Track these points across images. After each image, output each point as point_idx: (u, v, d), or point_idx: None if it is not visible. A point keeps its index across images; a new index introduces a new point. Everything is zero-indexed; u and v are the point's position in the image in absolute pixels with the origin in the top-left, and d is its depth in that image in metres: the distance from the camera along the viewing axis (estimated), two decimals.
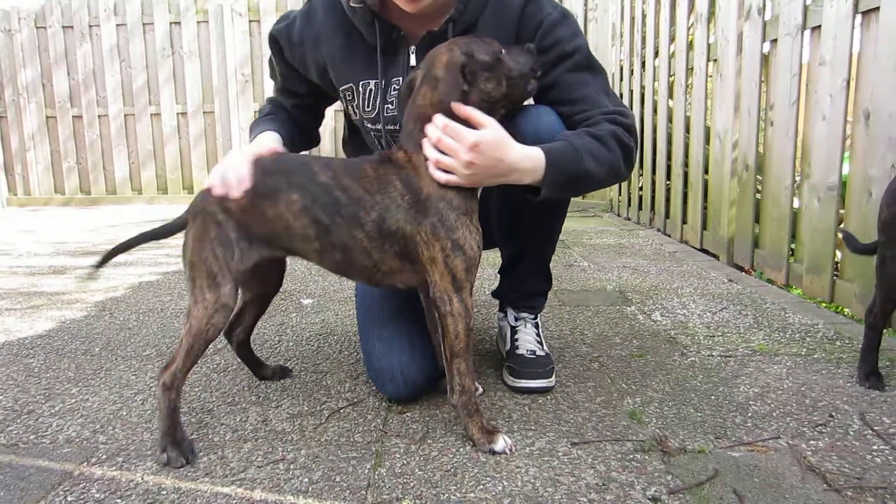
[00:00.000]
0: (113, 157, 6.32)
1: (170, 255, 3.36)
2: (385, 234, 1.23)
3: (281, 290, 2.47)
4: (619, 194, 4.84)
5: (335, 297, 2.38)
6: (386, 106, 1.44)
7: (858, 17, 2.13)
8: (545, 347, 1.59)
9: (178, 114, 6.23)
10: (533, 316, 1.62)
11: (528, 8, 1.36)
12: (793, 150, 2.54)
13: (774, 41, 2.67)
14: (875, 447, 1.22)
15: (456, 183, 1.21)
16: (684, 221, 3.64)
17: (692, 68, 3.54)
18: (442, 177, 1.20)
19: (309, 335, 1.93)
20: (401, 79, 1.41)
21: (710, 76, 3.35)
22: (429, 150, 1.22)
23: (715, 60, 3.24)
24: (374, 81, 1.43)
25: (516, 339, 1.57)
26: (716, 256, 3.18)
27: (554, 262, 2.97)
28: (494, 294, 1.70)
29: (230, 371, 1.64)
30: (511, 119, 1.34)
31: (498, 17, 1.37)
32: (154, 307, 2.30)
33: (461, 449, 1.23)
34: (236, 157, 1.28)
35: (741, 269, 2.95)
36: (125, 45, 6.17)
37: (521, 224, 1.51)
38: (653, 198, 4.17)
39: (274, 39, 1.51)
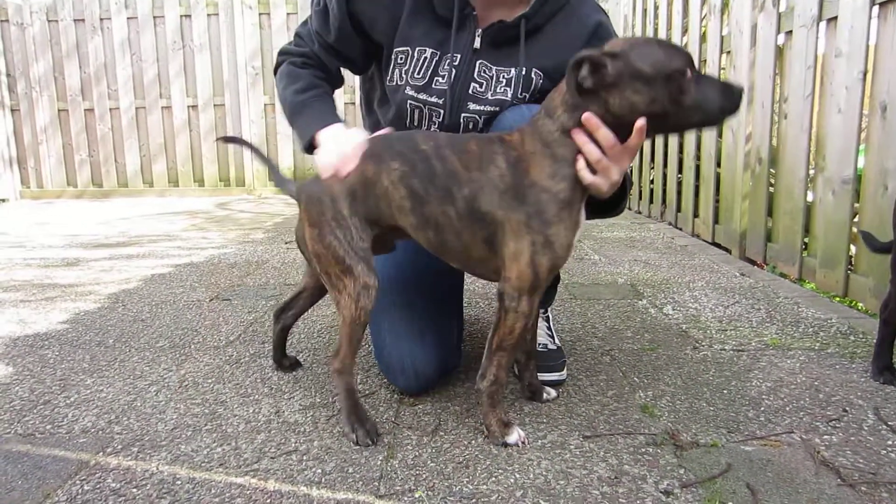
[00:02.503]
0: (125, 149, 6.35)
1: (181, 248, 3.38)
2: (475, 215, 1.17)
3: (292, 283, 2.49)
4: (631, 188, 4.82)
5: None
6: (436, 78, 1.41)
7: (875, 9, 2.10)
8: (557, 341, 1.58)
9: (188, 107, 6.25)
10: (543, 310, 1.62)
11: (599, 31, 1.40)
12: (807, 142, 2.52)
13: (789, 33, 2.65)
14: (890, 442, 1.21)
15: (598, 187, 1.15)
16: (696, 215, 3.62)
17: (705, 60, 3.51)
18: (588, 177, 1.14)
19: (321, 327, 1.94)
20: (459, 56, 1.39)
21: (724, 68, 3.32)
22: (589, 146, 1.13)
23: (728, 52, 3.21)
24: (430, 50, 1.39)
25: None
26: (728, 250, 3.16)
27: None
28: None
29: (243, 363, 1.65)
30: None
31: (569, 28, 1.40)
32: (166, 299, 2.31)
33: (473, 441, 1.23)
34: (338, 143, 1.29)
35: (753, 263, 2.93)
36: (136, 39, 6.19)
37: None
38: (664, 191, 4.15)
39: None
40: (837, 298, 2.31)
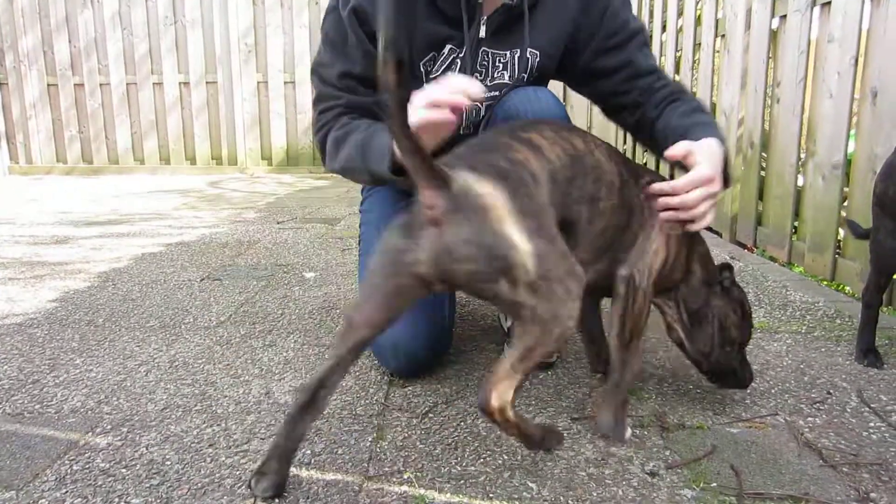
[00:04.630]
0: (115, 126, 6.28)
1: (172, 227, 3.36)
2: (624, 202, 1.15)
3: (283, 263, 2.49)
4: None
5: (338, 271, 2.38)
6: (449, 73, 1.39)
7: None
8: None
9: (180, 83, 6.17)
10: None
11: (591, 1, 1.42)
12: (799, 127, 2.51)
13: (783, 17, 2.63)
14: (871, 424, 1.23)
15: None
16: None
17: (699, 44, 3.49)
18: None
19: (311, 308, 1.94)
20: (465, 48, 1.38)
21: (718, 52, 3.30)
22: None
23: (723, 36, 3.19)
24: (448, 46, 1.38)
25: None
26: (719, 234, 3.17)
27: None
28: None
29: (233, 344, 1.65)
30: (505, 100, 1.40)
31: (561, 1, 1.41)
32: (157, 278, 2.30)
33: (462, 423, 1.24)
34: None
35: (744, 246, 2.95)
36: (127, 13, 6.09)
37: None
38: (658, 173, 4.14)
39: (357, 12, 1.33)
40: (825, 282, 2.33)
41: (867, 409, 1.30)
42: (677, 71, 3.89)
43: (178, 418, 1.26)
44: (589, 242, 1.11)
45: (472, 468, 1.09)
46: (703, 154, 1.20)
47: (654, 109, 1.42)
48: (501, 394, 0.95)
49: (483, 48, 1.40)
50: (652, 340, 1.67)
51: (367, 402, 1.33)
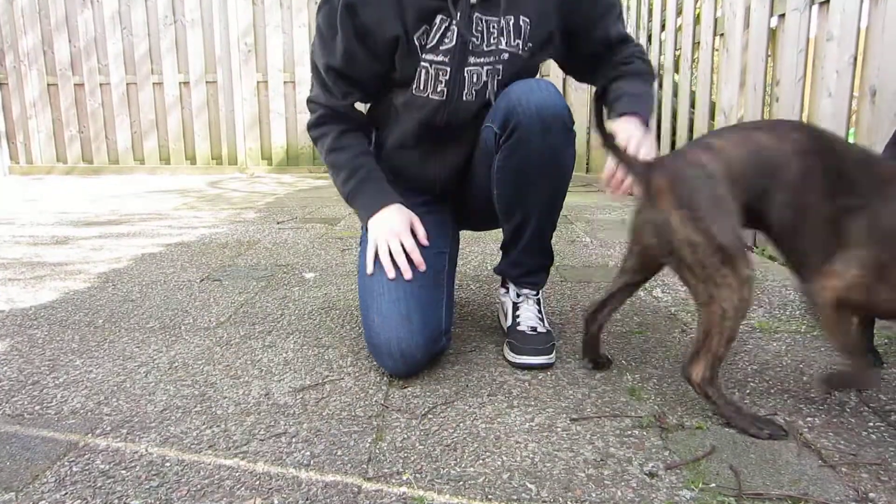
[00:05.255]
0: (115, 126, 6.29)
1: (172, 227, 3.36)
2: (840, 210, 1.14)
3: (283, 263, 2.49)
4: None
5: (338, 272, 2.38)
6: (444, 40, 1.44)
7: None
8: (546, 324, 1.59)
9: (180, 83, 6.17)
10: (534, 292, 1.62)
11: None
12: None
13: (782, 16, 2.63)
14: (871, 424, 1.23)
15: None
16: None
17: (698, 42, 3.49)
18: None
19: (311, 309, 1.94)
20: (459, 14, 1.42)
21: (717, 50, 3.30)
22: None
23: (722, 35, 3.19)
24: (440, 17, 1.42)
25: (518, 316, 1.58)
26: None
27: (557, 237, 2.97)
28: (496, 270, 1.70)
29: (233, 344, 1.65)
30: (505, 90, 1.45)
31: None
32: (157, 279, 2.31)
33: (461, 424, 1.24)
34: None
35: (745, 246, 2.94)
36: (127, 13, 6.10)
37: (524, 198, 1.50)
38: None
39: (349, 7, 1.40)
40: None
41: (866, 408, 1.30)
42: (677, 70, 3.89)
43: (177, 419, 1.26)
44: (807, 237, 1.15)
45: (472, 469, 1.09)
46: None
47: (608, 79, 1.55)
48: (698, 372, 1.19)
49: (477, 14, 1.43)
50: (651, 340, 1.67)
51: (367, 403, 1.33)
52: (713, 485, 1.04)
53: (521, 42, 1.47)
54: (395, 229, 1.49)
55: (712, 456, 1.12)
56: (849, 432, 1.20)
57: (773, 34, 2.75)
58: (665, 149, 3.95)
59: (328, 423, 1.24)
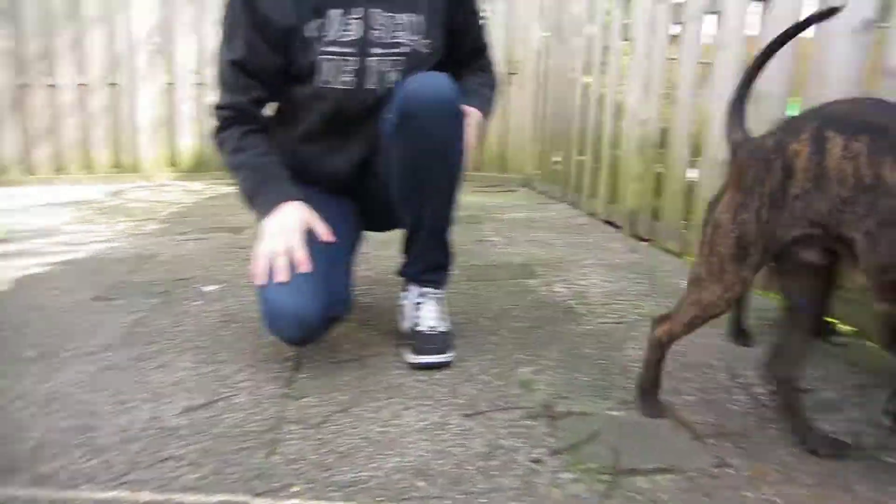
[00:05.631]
0: (2, 133, 5.85)
1: (62, 244, 3.17)
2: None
3: (183, 277, 2.41)
4: (535, 169, 4.94)
5: (240, 283, 2.32)
6: (344, 32, 1.49)
7: (755, 4, 2.25)
8: (447, 323, 1.62)
9: (78, 85, 5.83)
10: (436, 291, 1.65)
11: None
12: (692, 127, 2.68)
13: (682, 24, 2.78)
14: (737, 398, 1.33)
15: None
16: (593, 195, 3.76)
17: (608, 47, 3.63)
18: None
19: (209, 324, 1.89)
20: (361, 9, 1.48)
21: (626, 54, 3.45)
22: None
23: (628, 40, 3.34)
24: (333, 10, 1.48)
25: (418, 316, 1.60)
26: (619, 228, 3.31)
27: (465, 237, 3.02)
28: (398, 272, 1.71)
29: (121, 368, 1.58)
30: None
31: None
32: (40, 303, 2.17)
33: (357, 430, 1.25)
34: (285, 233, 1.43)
35: (642, 239, 3.09)
36: (18, 6, 5.68)
37: (420, 188, 1.54)
38: (566, 172, 4.28)
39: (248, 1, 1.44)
40: None
41: (735, 384, 1.39)
42: (589, 73, 4.03)
43: (52, 456, 1.18)
44: (868, 270, 1.00)
45: (364, 474, 1.10)
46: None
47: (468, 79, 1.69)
48: (663, 328, 1.27)
49: (373, 9, 1.49)
50: (548, 334, 1.73)
51: (262, 417, 1.31)
52: (593, 465, 1.09)
53: (420, 38, 1.54)
54: (286, 227, 1.43)
55: (596, 439, 1.18)
56: (718, 407, 1.29)
57: (674, 41, 2.90)
58: (574, 147, 4.08)
59: (218, 442, 1.22)
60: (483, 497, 1.02)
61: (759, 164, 1.05)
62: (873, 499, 1.01)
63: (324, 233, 1.46)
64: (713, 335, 1.68)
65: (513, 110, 5.11)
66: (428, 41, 1.56)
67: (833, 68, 1.82)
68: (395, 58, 1.53)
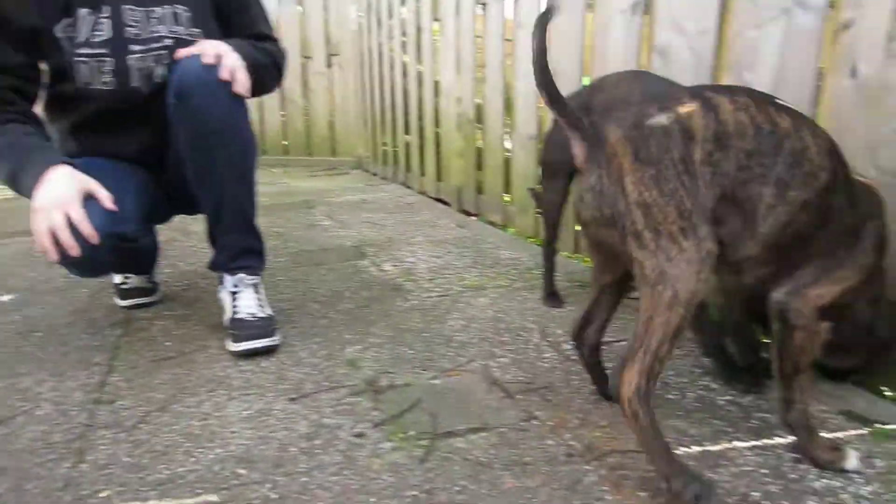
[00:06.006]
0: None
1: None
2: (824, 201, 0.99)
3: None
4: (367, 151, 4.95)
5: (42, 289, 2.12)
6: (96, 32, 1.46)
7: None
8: (268, 309, 1.60)
9: None
10: (251, 278, 1.62)
11: None
12: (502, 104, 2.82)
13: (485, 5, 2.90)
14: (546, 355, 1.46)
15: None
16: (422, 173, 3.86)
17: (420, 28, 3.70)
18: None
19: (5, 336, 1.71)
20: (110, 7, 1.46)
21: (436, 32, 3.53)
22: None
23: (439, 21, 3.43)
24: (84, 10, 1.44)
25: (236, 305, 1.56)
26: (448, 204, 3.44)
27: (296, 223, 2.98)
28: (209, 265, 1.66)
29: None
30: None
31: None
32: None
33: (175, 427, 1.21)
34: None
35: (469, 214, 3.24)
36: None
37: (211, 169, 1.51)
38: (395, 152, 4.34)
39: None
40: (531, 239, 2.66)
41: (545, 343, 1.53)
42: (405, 52, 4.09)
43: None
44: (765, 234, 0.97)
45: (182, 469, 1.07)
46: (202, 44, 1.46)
47: None
48: (629, 380, 0.93)
49: (126, 6, 1.48)
50: (376, 312, 1.77)
51: (68, 426, 1.23)
52: (412, 432, 1.15)
53: (183, 28, 1.52)
54: (60, 199, 1.30)
55: (416, 407, 1.24)
56: (529, 365, 1.41)
57: (482, 21, 3.02)
58: (400, 126, 4.14)
59: (17, 458, 1.12)
60: (305, 476, 1.04)
61: (656, 134, 0.93)
62: None
63: (105, 198, 1.36)
64: (529, 299, 1.83)
65: (337, 92, 5.09)
66: (197, 31, 1.55)
67: (611, 47, 2.01)
68: (157, 52, 1.52)
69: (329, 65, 5.03)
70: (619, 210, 0.92)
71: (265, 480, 1.03)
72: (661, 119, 0.94)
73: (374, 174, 4.72)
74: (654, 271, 0.90)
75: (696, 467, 1.03)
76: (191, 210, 1.79)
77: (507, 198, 2.87)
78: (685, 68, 1.71)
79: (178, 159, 1.56)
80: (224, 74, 1.40)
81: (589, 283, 1.23)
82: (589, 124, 0.98)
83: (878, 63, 1.25)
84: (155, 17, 1.51)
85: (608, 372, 1.22)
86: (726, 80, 1.57)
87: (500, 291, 1.92)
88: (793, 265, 1.01)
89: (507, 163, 2.85)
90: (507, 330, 1.62)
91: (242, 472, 1.06)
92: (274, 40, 1.67)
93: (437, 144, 3.58)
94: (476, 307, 1.79)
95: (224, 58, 1.41)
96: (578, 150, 0.98)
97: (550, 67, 0.97)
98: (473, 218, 3.15)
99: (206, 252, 1.69)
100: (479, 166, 3.13)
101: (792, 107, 1.00)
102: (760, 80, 1.48)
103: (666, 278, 0.90)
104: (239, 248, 1.60)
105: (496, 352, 1.49)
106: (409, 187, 4.06)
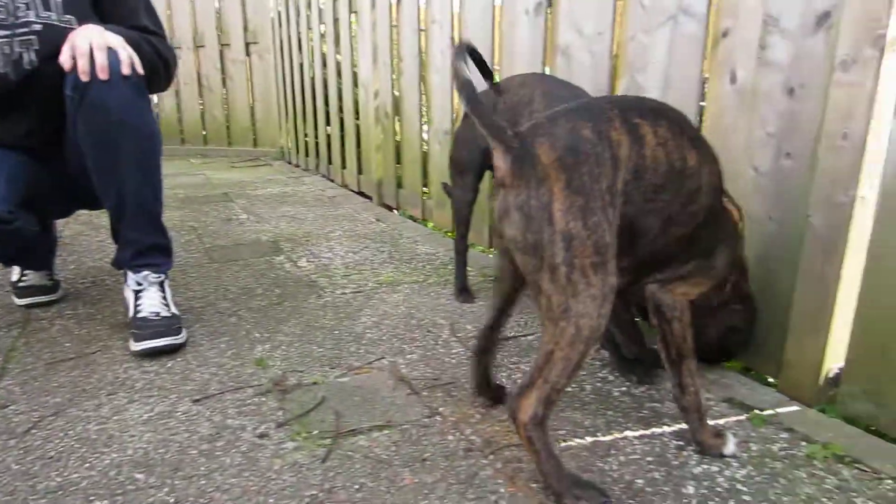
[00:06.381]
0: None
1: None
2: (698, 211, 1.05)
3: None
4: (289, 142, 4.87)
5: None
6: None
7: None
8: (173, 308, 1.57)
9: None
10: (156, 276, 1.58)
11: None
12: (419, 98, 2.84)
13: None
14: (454, 351, 1.50)
15: None
16: (344, 166, 3.84)
17: (338, 19, 3.66)
18: None
19: None
20: None
21: (353, 24, 3.50)
22: None
23: (356, 13, 3.40)
24: None
25: (140, 303, 1.53)
26: (370, 198, 3.44)
27: (212, 216, 2.91)
28: (113, 262, 1.61)
29: None
30: None
31: None
32: None
33: (70, 432, 1.17)
34: None
35: (390, 208, 3.25)
36: None
37: (113, 162, 1.48)
38: (317, 144, 4.29)
39: None
40: (449, 234, 2.70)
41: (454, 339, 1.57)
42: (324, 42, 4.04)
43: None
44: (641, 255, 1.03)
45: (76, 475, 1.05)
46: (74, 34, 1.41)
47: None
48: (526, 407, 0.94)
49: None
50: (288, 309, 1.77)
51: None
52: (316, 431, 1.17)
53: (54, 14, 1.48)
54: None
55: (321, 406, 1.26)
56: (436, 361, 1.45)
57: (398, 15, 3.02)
58: (322, 118, 4.09)
59: None
60: (204, 479, 1.04)
61: (590, 161, 0.91)
62: (550, 426, 1.21)
63: None
64: (442, 295, 1.87)
65: (257, 81, 4.98)
66: (69, 17, 1.50)
67: (518, 45, 2.07)
68: (24, 37, 1.48)
69: (248, 53, 4.91)
70: (543, 239, 0.90)
71: (162, 485, 1.02)
72: (595, 143, 0.92)
73: (297, 166, 4.65)
74: (560, 307, 0.91)
75: (587, 458, 1.09)
76: (92, 204, 1.73)
77: (426, 192, 2.90)
78: (585, 69, 1.78)
79: (77, 151, 1.51)
80: (124, 70, 1.37)
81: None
82: (515, 136, 0.93)
83: (752, 70, 1.34)
84: (22, 3, 1.46)
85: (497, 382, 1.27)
86: (622, 83, 1.65)
87: (414, 287, 1.95)
88: (657, 274, 1.10)
89: (425, 157, 2.88)
90: (418, 326, 1.65)
91: (139, 476, 1.04)
92: (160, 36, 1.61)
93: (358, 137, 3.57)
94: (389, 303, 1.81)
95: (117, 49, 1.39)
96: (502, 162, 0.93)
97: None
98: (393, 212, 3.17)
99: (114, 248, 1.64)
100: (400, 160, 3.14)
101: (702, 137, 1.07)
102: (651, 84, 1.56)
103: (570, 315, 0.90)
104: (143, 244, 1.56)
105: (406, 348, 1.52)
106: (331, 180, 4.02)
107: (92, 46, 1.36)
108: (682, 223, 1.02)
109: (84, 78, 1.36)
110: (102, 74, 1.37)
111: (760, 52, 1.32)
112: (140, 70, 1.42)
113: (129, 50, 1.40)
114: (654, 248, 1.03)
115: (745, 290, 1.30)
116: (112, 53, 1.38)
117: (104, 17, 1.54)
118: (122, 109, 1.41)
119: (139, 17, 1.58)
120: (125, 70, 1.39)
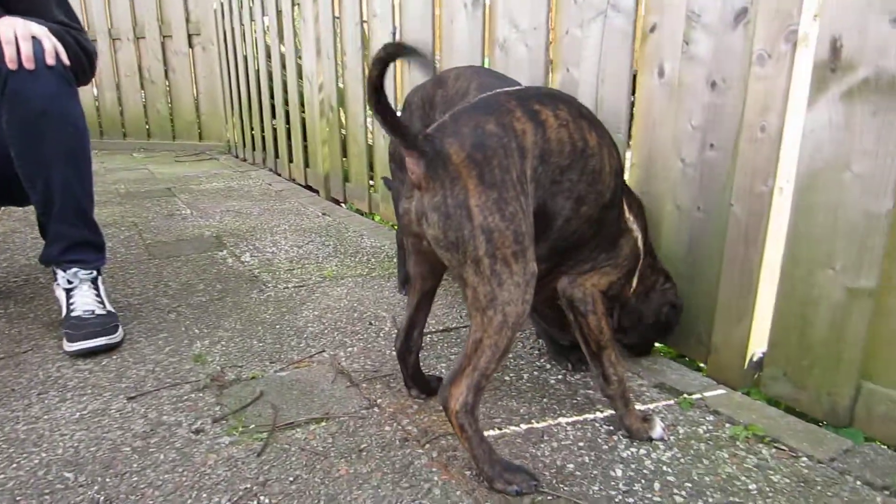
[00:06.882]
0: None
1: None
2: (609, 201, 1.13)
3: None
4: (236, 135, 4.78)
5: None
6: None
7: None
8: (108, 306, 1.54)
9: None
10: (86, 272, 1.55)
11: None
12: (362, 91, 2.83)
13: None
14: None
15: None
16: (291, 160, 3.80)
17: (281, 11, 3.62)
18: None
19: None
20: None
21: (296, 18, 3.47)
22: None
23: (298, 5, 3.36)
24: None
25: (72, 302, 1.49)
26: (317, 192, 3.41)
27: (154, 212, 2.85)
28: (41, 259, 1.57)
29: None
30: None
31: None
32: None
33: None
34: None
35: (337, 201, 3.23)
36: None
37: (38, 154, 1.44)
38: (263, 137, 4.23)
39: None
40: (395, 227, 2.71)
41: (396, 331, 1.58)
42: (267, 34, 3.98)
43: None
44: (554, 240, 1.08)
45: (2, 476, 1.02)
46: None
47: None
48: (457, 395, 0.97)
49: None
50: (229, 304, 1.75)
51: None
52: (252, 426, 1.16)
53: None
54: None
55: (259, 400, 1.25)
56: (377, 354, 1.46)
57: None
58: (267, 111, 4.03)
59: None
60: (136, 475, 1.02)
61: (498, 154, 0.94)
62: (486, 413, 1.24)
63: None
64: (385, 288, 1.88)
65: (201, 74, 4.88)
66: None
67: (457, 39, 2.09)
68: None
69: (191, 45, 4.80)
70: (464, 235, 0.92)
71: (93, 483, 1.01)
72: (501, 136, 0.95)
73: (244, 160, 4.58)
74: (486, 297, 0.94)
75: (521, 444, 1.12)
76: (20, 200, 1.67)
77: (372, 186, 2.89)
78: (522, 63, 1.81)
79: (2, 143, 1.46)
80: (49, 60, 1.33)
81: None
82: (423, 138, 0.94)
83: (678, 64, 1.39)
84: None
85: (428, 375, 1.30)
86: (557, 76, 1.68)
87: (358, 280, 1.96)
88: (570, 261, 1.14)
89: (371, 150, 2.87)
90: (360, 319, 1.66)
91: (68, 475, 1.03)
92: (77, 29, 1.55)
93: (305, 130, 3.54)
94: (332, 297, 1.81)
95: (41, 38, 1.35)
96: (414, 165, 0.95)
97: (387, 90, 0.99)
98: (341, 206, 3.15)
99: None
100: (346, 153, 3.13)
101: (597, 121, 1.12)
102: (585, 77, 1.60)
103: (496, 304, 0.94)
104: (72, 239, 1.52)
105: (347, 341, 1.52)
106: (278, 174, 3.98)
107: (16, 36, 1.32)
108: (590, 202, 1.07)
109: (12, 66, 1.32)
110: (28, 64, 1.33)
111: (685, 47, 1.36)
112: (66, 60, 1.39)
113: (54, 40, 1.37)
114: (567, 231, 1.07)
115: (664, 268, 1.36)
116: (36, 43, 1.34)
117: (9, 9, 1.46)
118: (46, 100, 1.37)
119: (51, 11, 1.51)
120: (49, 60, 1.35)
